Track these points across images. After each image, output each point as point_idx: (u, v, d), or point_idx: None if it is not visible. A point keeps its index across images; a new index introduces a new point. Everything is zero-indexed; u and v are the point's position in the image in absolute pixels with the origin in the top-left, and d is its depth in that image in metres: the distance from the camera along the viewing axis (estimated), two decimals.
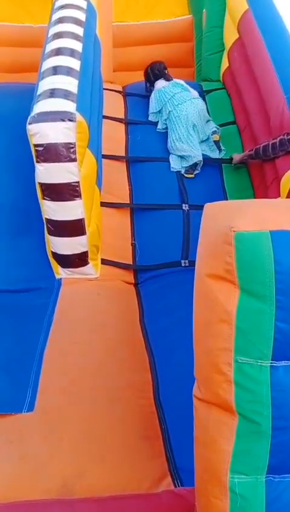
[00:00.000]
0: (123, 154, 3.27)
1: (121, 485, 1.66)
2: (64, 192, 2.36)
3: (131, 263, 2.72)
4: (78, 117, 2.25)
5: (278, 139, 2.67)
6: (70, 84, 2.42)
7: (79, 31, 2.84)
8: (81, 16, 2.98)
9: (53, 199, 2.38)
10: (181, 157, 3.18)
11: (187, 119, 3.21)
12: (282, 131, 2.68)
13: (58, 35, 2.77)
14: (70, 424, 1.86)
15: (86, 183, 2.42)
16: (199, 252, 1.08)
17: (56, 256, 2.56)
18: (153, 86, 3.48)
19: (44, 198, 2.39)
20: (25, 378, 2.01)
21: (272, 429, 1.05)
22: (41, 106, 2.28)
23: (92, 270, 2.62)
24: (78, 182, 2.35)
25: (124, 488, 1.65)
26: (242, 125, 3.35)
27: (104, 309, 2.45)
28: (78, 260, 2.56)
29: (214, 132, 3.27)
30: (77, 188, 2.36)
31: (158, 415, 1.90)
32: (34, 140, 2.25)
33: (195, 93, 3.47)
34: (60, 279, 2.58)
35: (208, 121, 3.33)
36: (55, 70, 2.50)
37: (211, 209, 1.09)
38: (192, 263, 2.53)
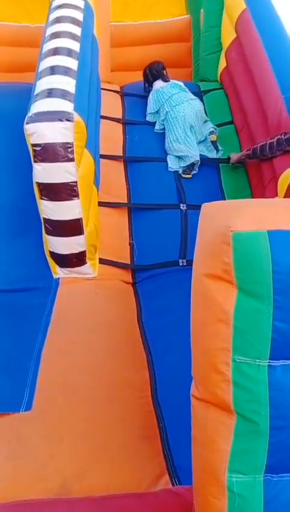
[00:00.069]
0: (121, 154, 3.27)
1: (119, 484, 1.66)
2: (62, 192, 2.36)
3: (129, 263, 2.72)
4: (76, 117, 2.25)
5: (275, 138, 2.68)
6: (68, 84, 2.42)
7: (76, 30, 2.84)
8: (79, 16, 2.97)
9: (51, 199, 2.38)
10: (179, 157, 3.19)
11: (184, 120, 3.21)
12: (279, 131, 2.69)
13: (56, 35, 2.77)
14: (68, 423, 1.86)
15: (84, 183, 2.42)
16: (196, 251, 1.08)
17: (54, 255, 2.56)
18: (152, 87, 3.48)
19: (42, 198, 2.39)
20: (22, 377, 2.00)
21: (270, 428, 1.06)
22: (39, 106, 2.28)
23: (90, 269, 2.62)
24: (75, 182, 2.35)
25: (122, 488, 1.65)
26: (240, 125, 3.35)
27: (102, 308, 2.45)
28: (76, 260, 2.56)
29: (211, 132, 3.28)
30: (75, 188, 2.36)
31: (156, 414, 1.90)
32: (31, 140, 2.25)
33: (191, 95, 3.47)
34: (58, 278, 2.58)
35: (205, 121, 3.33)
36: (53, 70, 2.50)
37: (208, 208, 1.10)
38: (190, 263, 2.52)
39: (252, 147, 2.91)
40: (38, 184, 2.35)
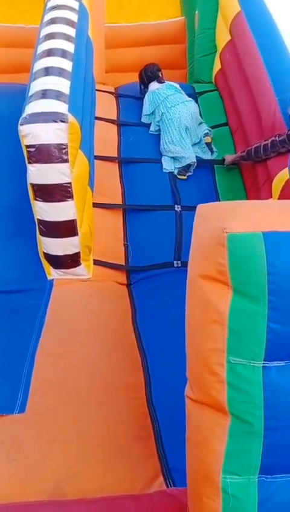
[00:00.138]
0: (115, 155, 3.27)
1: (113, 486, 1.66)
2: (56, 193, 2.35)
3: (123, 264, 2.72)
4: (70, 118, 2.25)
5: (269, 140, 2.69)
6: (62, 85, 2.42)
7: (71, 32, 2.84)
8: (73, 17, 2.97)
9: (45, 200, 2.37)
10: (174, 158, 3.19)
11: (180, 122, 3.22)
12: (274, 133, 2.70)
13: (50, 36, 2.77)
14: (62, 425, 1.85)
15: (78, 184, 2.42)
16: (191, 253, 1.08)
17: (48, 257, 2.56)
18: (147, 88, 3.49)
19: (36, 199, 2.38)
20: (16, 379, 2.00)
21: (265, 429, 1.06)
22: (33, 107, 2.28)
23: (84, 271, 2.61)
24: (70, 183, 2.35)
25: (116, 489, 1.64)
26: (234, 126, 3.37)
27: (96, 310, 2.44)
28: (71, 261, 2.56)
29: (206, 134, 3.29)
30: (69, 189, 2.36)
31: (150, 415, 1.90)
32: (25, 141, 2.24)
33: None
34: (52, 280, 2.58)
35: (200, 123, 3.34)
36: (47, 71, 2.50)
37: (203, 210, 1.10)
38: (185, 264, 2.51)
39: (246, 149, 2.92)
40: (33, 185, 2.34)
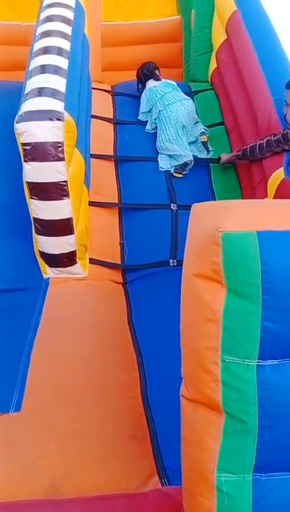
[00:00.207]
0: (112, 153, 3.26)
1: (109, 484, 1.66)
2: (52, 191, 2.35)
3: (119, 263, 2.72)
4: (66, 116, 2.25)
5: (265, 140, 2.69)
6: (58, 83, 2.41)
7: (67, 29, 2.83)
8: (70, 15, 2.97)
9: (41, 198, 2.37)
10: (170, 156, 3.19)
11: (177, 120, 3.22)
12: (269, 132, 2.70)
13: (46, 34, 2.76)
14: (58, 424, 1.85)
15: (74, 183, 2.42)
16: (186, 251, 1.08)
17: (44, 255, 2.55)
18: (145, 87, 3.48)
19: (32, 198, 2.38)
20: (11, 378, 1.99)
21: (259, 428, 1.06)
22: (29, 105, 2.27)
23: (80, 269, 2.61)
24: (66, 181, 2.34)
25: (112, 488, 1.65)
26: (230, 126, 3.37)
27: (92, 309, 2.44)
28: (66, 259, 2.56)
29: (202, 133, 3.29)
30: (65, 187, 2.36)
31: (146, 414, 1.90)
32: (21, 139, 2.24)
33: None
34: (48, 278, 2.57)
35: (196, 122, 3.34)
36: (43, 69, 2.49)
37: (198, 209, 1.10)
38: (180, 263, 2.51)
39: (242, 148, 2.93)
40: (28, 183, 2.34)
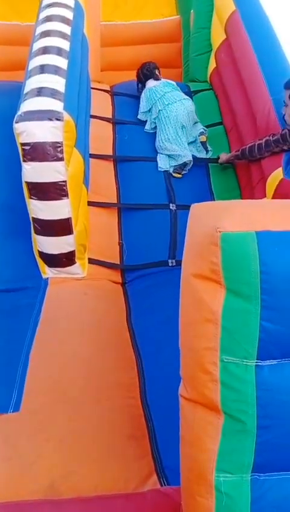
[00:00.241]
0: (111, 153, 3.26)
1: (108, 484, 1.66)
2: (51, 191, 2.35)
3: (118, 263, 2.72)
4: (66, 116, 2.25)
5: (264, 140, 2.69)
6: (58, 83, 2.41)
7: (66, 29, 2.83)
8: (69, 15, 2.96)
9: (40, 198, 2.37)
10: (169, 156, 3.19)
11: (177, 120, 3.22)
12: (268, 133, 2.70)
13: (46, 34, 2.76)
14: (56, 424, 1.85)
15: (73, 183, 2.42)
16: (185, 251, 1.08)
17: (43, 255, 2.55)
18: (145, 86, 3.48)
19: (31, 198, 2.37)
20: (10, 378, 1.99)
21: (257, 428, 1.06)
22: (28, 105, 2.27)
23: (79, 269, 2.61)
24: (65, 181, 2.34)
25: (110, 488, 1.65)
26: (229, 126, 3.37)
27: (91, 309, 2.44)
28: (65, 259, 2.56)
29: (201, 133, 3.29)
30: (64, 187, 2.35)
31: (145, 414, 1.90)
32: (20, 139, 2.24)
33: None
34: (47, 278, 2.57)
35: (195, 122, 3.34)
36: (43, 69, 2.49)
37: (197, 209, 1.10)
38: (179, 263, 2.51)
39: (241, 148, 2.93)
40: (28, 183, 2.34)
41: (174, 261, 2.67)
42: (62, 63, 2.56)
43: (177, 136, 3.20)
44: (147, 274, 2.65)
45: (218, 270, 0.98)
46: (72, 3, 3.08)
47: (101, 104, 3.58)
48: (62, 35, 2.77)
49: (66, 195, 2.38)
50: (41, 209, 2.39)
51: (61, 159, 2.28)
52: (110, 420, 1.87)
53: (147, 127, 3.39)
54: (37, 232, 2.47)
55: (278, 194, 2.50)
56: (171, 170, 3.15)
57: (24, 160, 2.28)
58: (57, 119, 2.22)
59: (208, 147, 3.29)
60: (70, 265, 2.58)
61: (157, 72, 3.48)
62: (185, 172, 3.16)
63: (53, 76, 2.44)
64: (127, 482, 1.67)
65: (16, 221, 2.65)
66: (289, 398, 1.06)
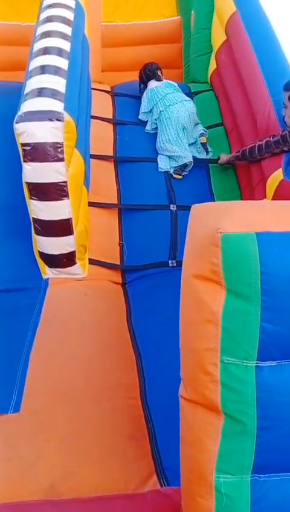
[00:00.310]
0: (111, 154, 3.27)
1: (108, 485, 1.66)
2: (51, 191, 2.35)
3: (119, 263, 2.72)
4: (66, 117, 2.25)
5: (264, 141, 2.69)
6: (58, 83, 2.41)
7: (67, 30, 2.83)
8: (70, 15, 2.97)
9: (40, 199, 2.37)
10: (170, 157, 3.19)
11: (178, 122, 3.22)
12: (268, 133, 2.71)
13: (46, 34, 2.76)
14: (57, 424, 1.85)
15: (74, 183, 2.42)
16: (185, 252, 1.08)
17: (43, 256, 2.55)
18: (146, 87, 3.49)
19: (31, 198, 2.38)
20: (10, 378, 1.99)
21: (257, 429, 1.06)
22: (29, 105, 2.27)
23: (79, 270, 2.61)
24: (65, 182, 2.34)
25: (111, 489, 1.65)
26: (229, 127, 3.37)
27: (91, 309, 2.44)
28: (66, 260, 2.56)
29: (201, 135, 3.29)
30: (65, 188, 2.36)
31: (145, 414, 1.90)
32: (21, 139, 2.24)
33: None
34: (47, 279, 2.57)
35: (196, 124, 3.34)
36: (43, 70, 2.49)
37: (198, 210, 1.10)
38: (180, 263, 2.54)
39: (241, 149, 2.93)
40: (28, 184, 2.34)
41: (174, 261, 2.67)
42: (63, 63, 2.56)
43: (178, 137, 3.20)
44: (148, 275, 2.65)
45: (218, 271, 0.98)
46: (72, 4, 3.08)
47: (102, 105, 3.59)
48: (63, 35, 2.77)
49: (67, 195, 2.38)
50: (41, 210, 2.40)
51: (62, 160, 2.29)
52: (110, 421, 1.87)
53: (148, 127, 3.39)
54: (38, 233, 2.48)
55: (278, 195, 2.50)
56: (171, 171, 3.15)
57: (24, 161, 2.28)
58: (58, 120, 2.22)
59: (209, 148, 3.30)
60: (71, 265, 2.58)
61: (159, 73, 3.49)
62: (185, 173, 3.16)
63: (54, 77, 2.45)
64: (128, 482, 1.67)
65: (16, 222, 2.65)
66: (289, 399, 1.06)
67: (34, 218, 2.44)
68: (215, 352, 1.02)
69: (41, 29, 2.83)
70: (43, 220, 2.43)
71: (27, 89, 2.39)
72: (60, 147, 2.26)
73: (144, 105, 3.41)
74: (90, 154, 2.98)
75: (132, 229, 2.87)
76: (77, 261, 2.58)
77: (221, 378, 1.04)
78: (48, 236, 2.48)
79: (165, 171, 3.16)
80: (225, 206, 1.07)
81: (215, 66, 3.74)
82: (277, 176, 2.55)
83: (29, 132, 2.21)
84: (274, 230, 0.97)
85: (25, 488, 1.64)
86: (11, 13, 4.02)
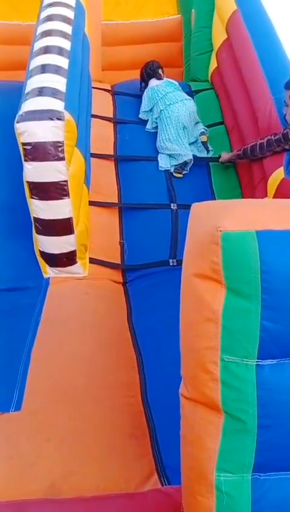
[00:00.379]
0: (112, 153, 3.26)
1: (108, 484, 1.66)
2: (52, 191, 2.35)
3: (119, 262, 2.72)
4: (67, 116, 2.25)
5: (265, 139, 2.69)
6: (59, 82, 2.41)
7: (67, 29, 2.83)
8: (70, 14, 2.97)
9: (41, 198, 2.37)
10: (170, 155, 3.19)
11: (178, 121, 3.22)
12: (269, 132, 2.70)
13: (47, 33, 2.76)
14: (57, 423, 1.85)
15: (74, 182, 2.42)
16: (186, 251, 1.08)
17: (44, 255, 2.55)
18: (147, 85, 3.48)
19: (32, 197, 2.38)
20: (12, 377, 2.00)
21: (258, 427, 1.06)
22: (29, 105, 2.27)
23: (80, 269, 2.61)
24: (66, 181, 2.34)
25: (111, 488, 1.65)
26: (230, 125, 3.37)
27: (92, 308, 2.44)
28: (66, 259, 2.56)
29: (202, 133, 3.28)
30: (65, 187, 2.36)
31: (145, 413, 1.90)
32: (22, 139, 2.24)
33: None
34: (48, 278, 2.57)
35: (197, 123, 3.34)
36: (44, 69, 2.49)
37: (198, 208, 1.10)
38: (180, 262, 2.51)
39: (242, 147, 2.93)
40: (29, 183, 2.34)
41: (175, 260, 2.66)
42: (63, 62, 2.56)
43: (178, 136, 3.20)
44: (148, 274, 2.65)
45: (219, 270, 0.98)
46: (73, 3, 3.08)
47: (102, 104, 3.58)
48: (63, 34, 2.77)
49: (67, 194, 2.38)
50: (42, 209, 2.40)
51: (63, 159, 2.29)
52: (111, 419, 1.87)
53: (148, 126, 3.39)
54: (38, 232, 2.48)
55: (279, 193, 2.49)
56: (172, 170, 3.15)
57: (25, 160, 2.28)
58: (58, 119, 2.22)
59: (209, 146, 3.29)
60: (72, 265, 2.58)
61: (160, 72, 3.48)
62: (185, 172, 3.16)
63: (54, 76, 2.45)
64: (128, 481, 1.67)
65: (17, 221, 2.66)
66: (289, 398, 1.06)
67: (34, 218, 2.44)
68: (215, 350, 1.02)
69: (42, 28, 2.83)
70: (44, 219, 2.43)
71: (28, 88, 2.39)
72: (61, 146, 2.26)
73: (145, 104, 3.41)
74: (91, 153, 2.98)
75: (133, 228, 2.86)
76: (77, 260, 2.58)
77: (221, 376, 1.04)
78: (48, 235, 2.48)
79: (166, 170, 3.16)
80: (225, 205, 1.07)
81: (216, 65, 3.73)
82: (278, 175, 2.55)
83: (30, 131, 2.21)
84: (274, 229, 0.97)
85: (25, 487, 1.64)
86: (12, 13, 4.02)
